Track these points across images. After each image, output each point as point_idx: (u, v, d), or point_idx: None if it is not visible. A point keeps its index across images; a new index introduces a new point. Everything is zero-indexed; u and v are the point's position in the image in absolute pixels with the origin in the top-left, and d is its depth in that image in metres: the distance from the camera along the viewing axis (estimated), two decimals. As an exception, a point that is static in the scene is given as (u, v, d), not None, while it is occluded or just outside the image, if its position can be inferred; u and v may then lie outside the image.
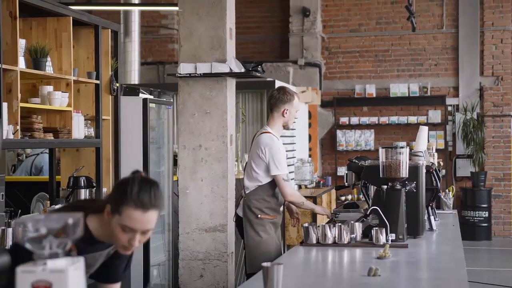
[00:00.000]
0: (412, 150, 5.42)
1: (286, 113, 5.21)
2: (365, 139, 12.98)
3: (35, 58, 4.92)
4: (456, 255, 4.10)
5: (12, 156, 9.63)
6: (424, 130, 5.82)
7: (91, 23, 5.69)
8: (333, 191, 11.12)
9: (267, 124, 5.33)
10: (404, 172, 4.54)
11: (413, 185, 4.69)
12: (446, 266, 3.83)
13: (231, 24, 5.73)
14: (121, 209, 2.60)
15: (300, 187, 10.42)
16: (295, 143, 10.62)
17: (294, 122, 5.39)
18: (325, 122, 13.18)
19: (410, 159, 5.19)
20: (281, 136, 5.33)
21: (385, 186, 4.54)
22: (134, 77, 11.08)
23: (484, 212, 12.36)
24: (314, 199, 9.26)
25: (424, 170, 4.88)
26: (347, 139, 13.06)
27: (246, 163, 5.41)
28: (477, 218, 12.36)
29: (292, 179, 9.90)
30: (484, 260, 11.19)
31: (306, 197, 9.00)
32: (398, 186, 4.55)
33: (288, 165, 9.65)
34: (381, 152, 4.58)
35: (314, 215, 8.20)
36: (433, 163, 5.79)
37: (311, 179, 10.04)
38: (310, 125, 12.53)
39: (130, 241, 2.63)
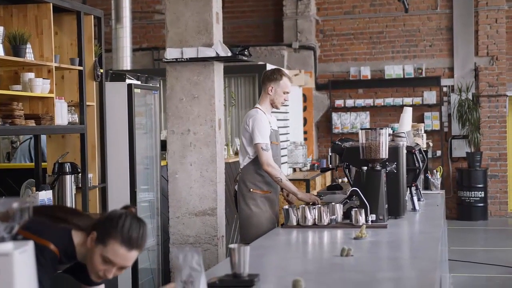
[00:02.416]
0: (395, 131, 5.44)
1: (271, 91, 5.36)
2: (360, 121, 12.98)
3: (15, 45, 4.92)
4: (433, 234, 4.11)
5: (6, 144, 9.66)
6: (407, 111, 5.82)
7: (72, 9, 5.68)
8: (328, 174, 11.14)
9: (257, 102, 5.52)
10: (384, 153, 4.55)
11: (394, 166, 4.70)
12: (421, 245, 3.85)
13: (217, 9, 5.72)
14: (107, 241, 2.65)
15: (294, 170, 10.44)
16: (288, 127, 10.62)
17: (284, 103, 5.48)
18: (321, 105, 13.18)
19: (392, 140, 5.21)
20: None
21: (365, 167, 4.55)
22: (126, 63, 11.08)
23: (480, 192, 12.38)
24: (307, 182, 9.28)
25: (405, 151, 4.89)
26: (343, 122, 13.06)
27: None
28: (473, 198, 12.38)
29: (285, 163, 9.92)
30: (481, 240, 11.22)
31: (298, 180, 9.10)
32: (378, 167, 4.56)
33: (282, 148, 9.70)
34: (361, 133, 4.60)
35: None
36: (417, 144, 5.80)
37: (304, 162, 10.05)
38: (305, 108, 12.54)
39: (106, 272, 2.69)
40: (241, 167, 5.40)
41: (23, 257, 1.87)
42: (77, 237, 2.75)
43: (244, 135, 5.32)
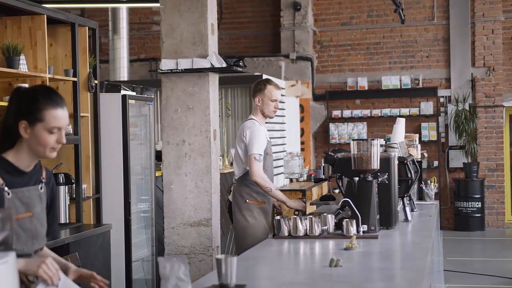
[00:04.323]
0: (387, 142, 5.45)
1: (259, 101, 5.49)
2: (357, 132, 13.00)
3: (8, 56, 4.95)
4: (423, 245, 4.11)
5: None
6: (400, 122, 5.84)
7: (67, 21, 5.71)
8: (325, 184, 11.15)
9: (251, 113, 5.61)
10: (376, 164, 4.56)
11: (385, 176, 4.71)
12: (410, 256, 3.86)
13: (212, 20, 5.75)
14: (43, 115, 2.79)
15: (291, 180, 10.45)
16: (285, 137, 10.64)
17: (275, 112, 5.52)
18: (318, 115, 13.20)
19: (385, 151, 5.23)
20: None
21: (356, 178, 4.56)
22: (123, 74, 11.11)
23: (477, 202, 12.38)
24: (303, 192, 9.29)
25: (397, 162, 4.90)
26: (340, 132, 13.08)
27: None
28: (470, 208, 12.38)
29: (281, 173, 9.93)
30: (477, 250, 11.22)
31: (295, 190, 9.12)
32: (370, 178, 4.57)
33: (278, 159, 9.72)
34: (352, 144, 4.61)
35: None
36: (410, 155, 5.81)
37: (300, 173, 10.06)
38: (302, 119, 12.57)
39: (58, 140, 2.84)
40: (236, 177, 5.44)
41: (4, 268, 1.88)
42: (10, 155, 2.84)
43: (241, 146, 5.37)
